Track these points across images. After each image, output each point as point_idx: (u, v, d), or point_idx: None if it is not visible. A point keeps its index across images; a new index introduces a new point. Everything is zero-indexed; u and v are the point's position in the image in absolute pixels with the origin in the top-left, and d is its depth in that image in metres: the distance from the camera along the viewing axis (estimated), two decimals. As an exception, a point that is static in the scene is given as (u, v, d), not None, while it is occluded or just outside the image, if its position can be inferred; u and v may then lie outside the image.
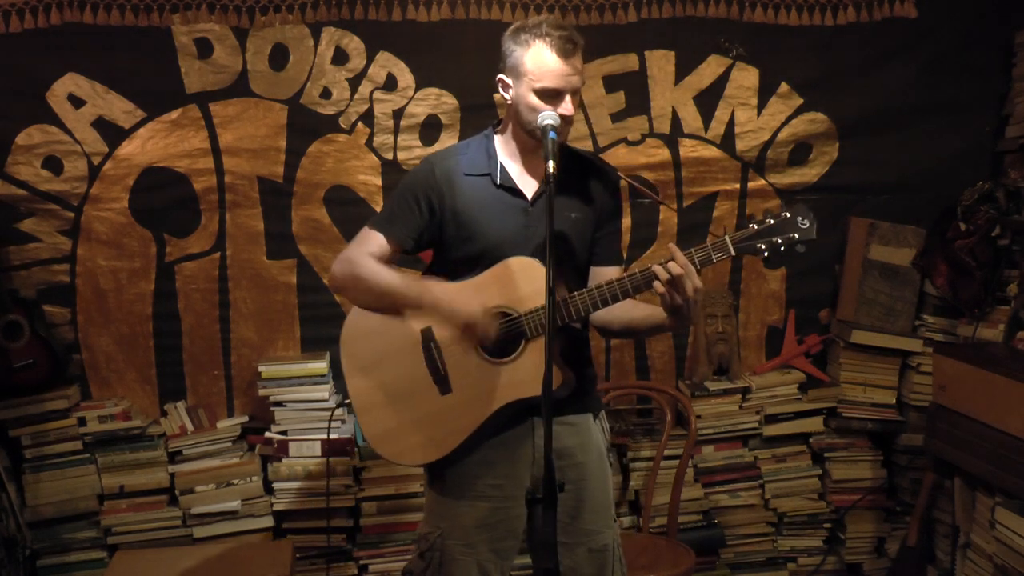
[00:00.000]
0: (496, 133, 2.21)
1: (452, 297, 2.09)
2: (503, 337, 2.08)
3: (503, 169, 2.15)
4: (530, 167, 2.16)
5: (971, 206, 3.36)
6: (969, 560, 3.06)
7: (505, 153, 2.17)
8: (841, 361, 3.52)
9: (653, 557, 2.96)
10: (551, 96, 2.04)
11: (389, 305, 2.15)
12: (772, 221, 1.97)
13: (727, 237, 1.97)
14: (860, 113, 3.55)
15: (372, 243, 2.16)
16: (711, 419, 3.46)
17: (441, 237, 2.17)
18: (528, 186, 2.15)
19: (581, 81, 2.07)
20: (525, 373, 2.07)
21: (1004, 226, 3.29)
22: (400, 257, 2.22)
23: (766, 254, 1.97)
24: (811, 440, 3.54)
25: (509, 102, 2.12)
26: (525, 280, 2.07)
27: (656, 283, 1.94)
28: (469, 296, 2.09)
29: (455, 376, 2.12)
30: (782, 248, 1.97)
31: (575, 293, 2.05)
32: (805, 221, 1.97)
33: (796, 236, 1.96)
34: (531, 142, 2.11)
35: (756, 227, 1.97)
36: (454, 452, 2.13)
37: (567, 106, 2.04)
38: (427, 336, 2.13)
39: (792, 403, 3.50)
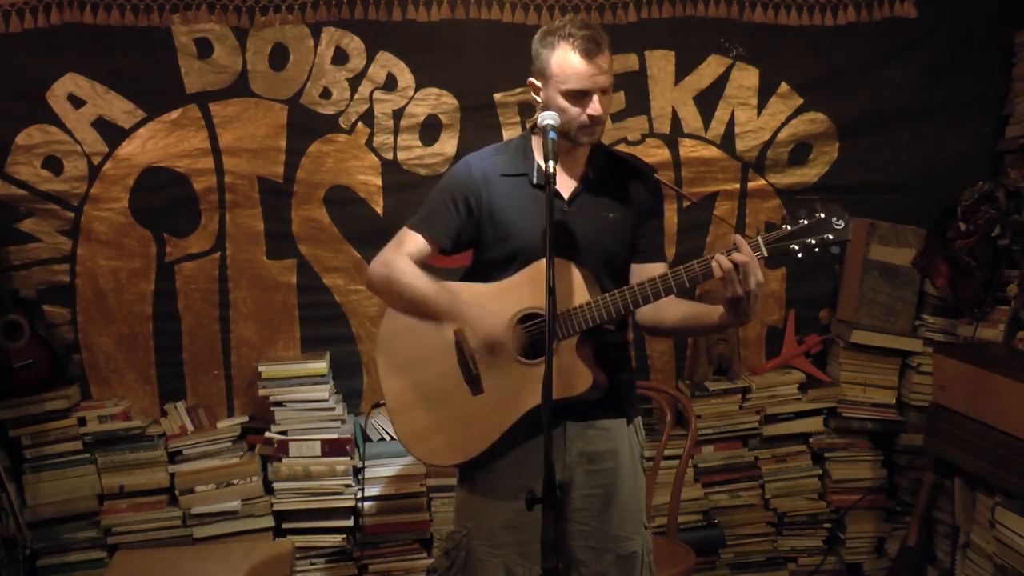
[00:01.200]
0: (533, 134, 2.20)
1: (478, 312, 2.08)
2: (534, 340, 2.07)
3: (539, 169, 2.13)
4: (567, 167, 2.15)
5: (971, 206, 3.35)
6: (969, 560, 3.06)
7: (541, 154, 2.15)
8: (841, 361, 3.52)
9: (653, 557, 2.95)
10: (578, 97, 2.03)
11: (420, 312, 2.15)
12: (805, 221, 1.90)
13: (759, 238, 1.91)
14: (860, 113, 3.54)
15: (410, 244, 2.16)
16: (711, 419, 3.45)
17: (479, 237, 2.17)
18: (565, 186, 2.14)
19: (609, 80, 2.05)
20: (556, 375, 2.02)
21: (1004, 226, 3.29)
22: (437, 256, 2.20)
23: (800, 255, 1.90)
24: (811, 440, 3.53)
25: (540, 103, 2.10)
26: (559, 281, 2.03)
27: (719, 273, 1.88)
28: (500, 301, 2.08)
29: (487, 377, 2.11)
30: (816, 249, 1.90)
31: (605, 295, 2.03)
32: (840, 221, 1.90)
33: (831, 237, 1.89)
34: (566, 143, 2.09)
35: (789, 228, 1.90)
36: (484, 453, 2.12)
37: (595, 106, 2.03)
38: (460, 337, 2.12)
39: (792, 403, 3.50)
